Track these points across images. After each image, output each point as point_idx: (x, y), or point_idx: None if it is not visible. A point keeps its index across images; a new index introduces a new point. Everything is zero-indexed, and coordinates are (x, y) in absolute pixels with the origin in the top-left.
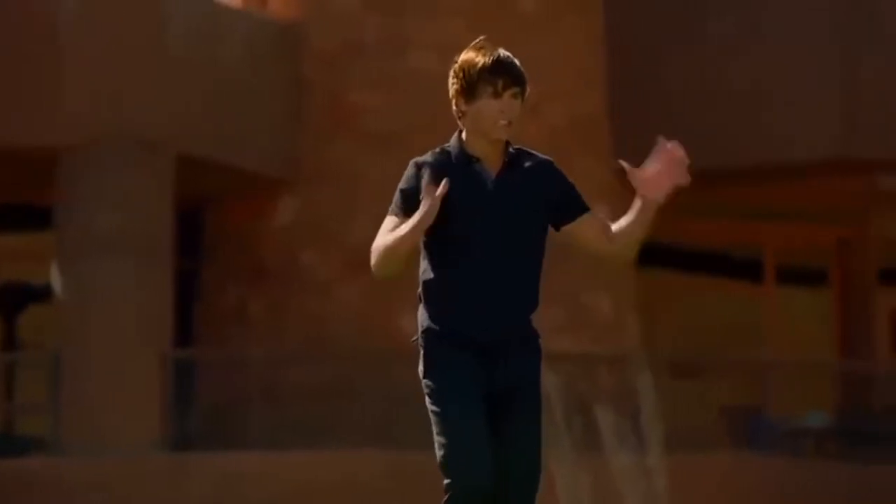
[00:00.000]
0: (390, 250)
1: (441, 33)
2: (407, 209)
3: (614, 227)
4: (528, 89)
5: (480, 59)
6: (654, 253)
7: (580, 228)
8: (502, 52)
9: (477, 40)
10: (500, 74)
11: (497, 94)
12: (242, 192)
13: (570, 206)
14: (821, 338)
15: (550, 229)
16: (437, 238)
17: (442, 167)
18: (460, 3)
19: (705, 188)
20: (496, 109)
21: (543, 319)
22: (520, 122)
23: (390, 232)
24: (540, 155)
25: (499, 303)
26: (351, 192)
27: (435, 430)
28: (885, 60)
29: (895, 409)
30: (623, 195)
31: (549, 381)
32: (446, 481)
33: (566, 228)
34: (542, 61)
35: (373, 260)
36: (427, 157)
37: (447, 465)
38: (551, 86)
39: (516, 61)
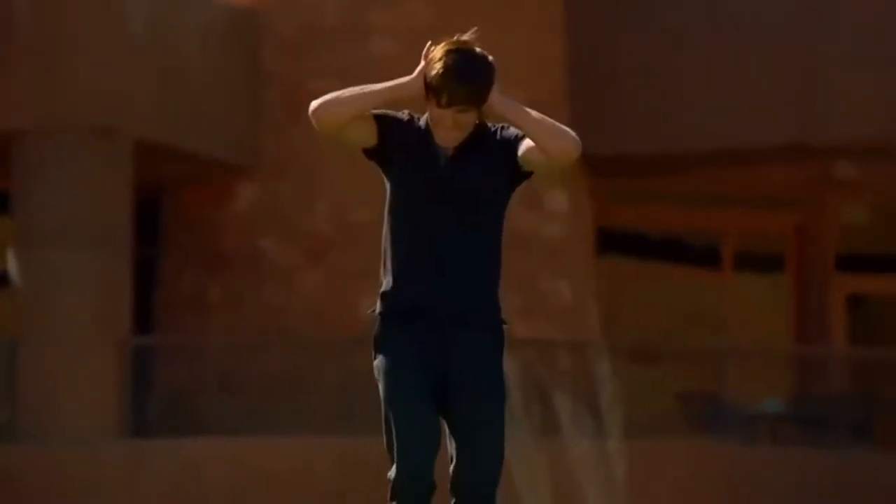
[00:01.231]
0: (351, 95)
1: (402, 19)
2: (376, 115)
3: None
4: (487, 96)
5: (438, 65)
6: (612, 239)
7: (527, 154)
8: (465, 60)
9: (471, 31)
10: (445, 90)
11: (440, 106)
12: (200, 179)
13: (515, 146)
14: (778, 324)
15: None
16: (392, 206)
17: (412, 126)
18: None
19: (663, 174)
20: (438, 116)
21: (503, 306)
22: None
23: None
24: (502, 128)
25: (446, 274)
26: (310, 179)
27: (382, 409)
28: (842, 47)
29: (851, 395)
30: (581, 179)
31: (509, 367)
32: (392, 468)
33: (524, 164)
34: (502, 47)
35: (322, 100)
36: (406, 113)
37: (390, 450)
38: (510, 72)
39: (474, 74)
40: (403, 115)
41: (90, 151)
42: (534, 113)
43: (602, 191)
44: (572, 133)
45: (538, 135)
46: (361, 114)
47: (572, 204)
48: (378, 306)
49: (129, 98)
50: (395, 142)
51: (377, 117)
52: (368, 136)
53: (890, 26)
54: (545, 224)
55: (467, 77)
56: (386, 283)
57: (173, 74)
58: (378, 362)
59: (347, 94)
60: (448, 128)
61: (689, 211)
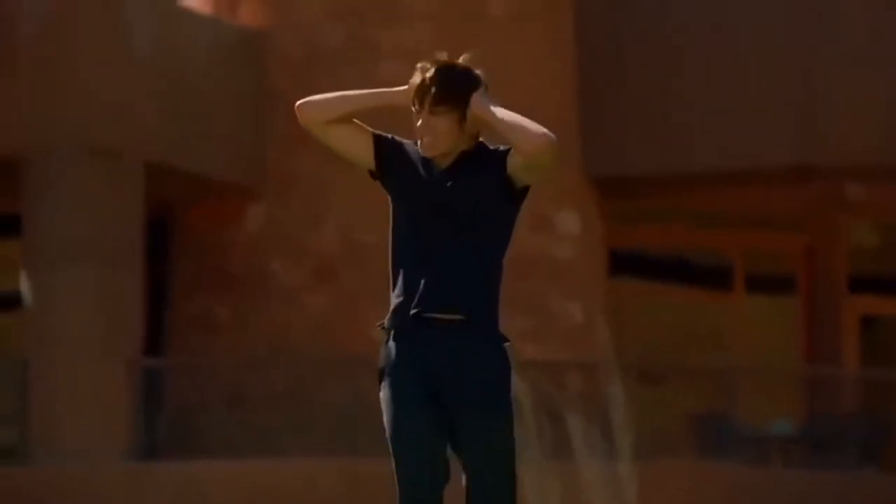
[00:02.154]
0: (337, 96)
1: (408, 41)
2: (382, 138)
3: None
4: (462, 103)
5: (417, 78)
6: (622, 260)
7: (511, 161)
8: (443, 67)
9: (465, 55)
10: (416, 97)
11: (417, 114)
12: (208, 200)
13: (505, 159)
14: (789, 345)
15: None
16: (395, 224)
17: (413, 149)
18: (427, 11)
19: (672, 195)
20: (417, 122)
21: (513, 327)
22: (486, 129)
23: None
24: (498, 147)
25: (445, 288)
26: (317, 200)
27: (386, 431)
28: (845, 67)
29: (861, 417)
30: (591, 200)
31: (520, 388)
32: (398, 488)
33: (513, 175)
34: (510, 66)
35: (310, 97)
36: (409, 141)
37: (396, 473)
38: (519, 91)
39: (447, 76)
40: (408, 141)
41: (99, 172)
42: (508, 113)
43: (612, 211)
44: (547, 131)
45: (512, 133)
46: (345, 116)
47: (583, 225)
48: (385, 321)
49: (136, 118)
50: (395, 162)
51: (376, 138)
52: (363, 151)
53: (891, 36)
54: (556, 245)
55: (440, 77)
56: (392, 298)
57: (181, 95)
58: (383, 394)
59: (334, 94)
60: (423, 131)
61: (698, 232)
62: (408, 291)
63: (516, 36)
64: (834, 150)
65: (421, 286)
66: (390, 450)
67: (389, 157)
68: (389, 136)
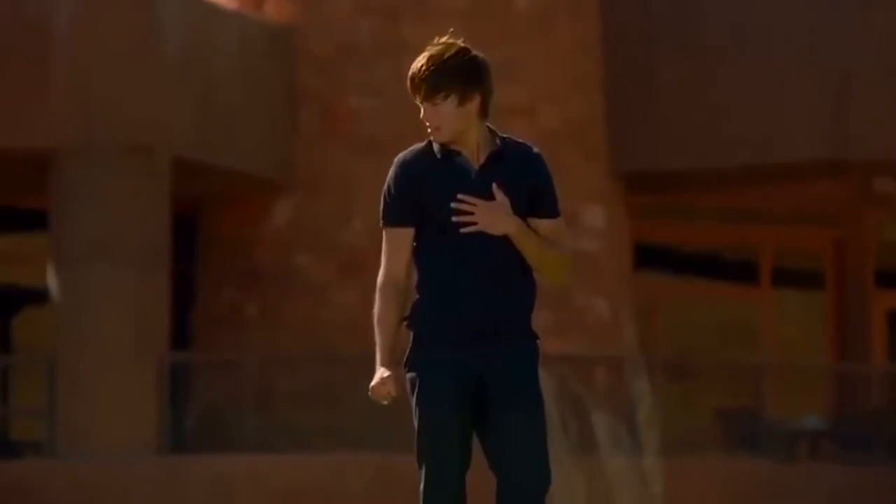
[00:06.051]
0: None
1: (435, 37)
2: (402, 215)
3: None
4: (456, 84)
5: (411, 71)
6: (649, 255)
7: (536, 224)
8: (423, 59)
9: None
10: (412, 89)
11: (420, 103)
12: (237, 196)
13: (538, 201)
14: (817, 340)
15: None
16: (424, 232)
17: (423, 165)
18: (455, 7)
19: (700, 190)
20: (422, 116)
21: (539, 322)
22: (514, 125)
23: (390, 254)
24: (531, 147)
25: (487, 290)
26: (345, 195)
27: (414, 421)
28: (876, 62)
29: (891, 412)
30: (617, 195)
31: (546, 384)
32: (423, 473)
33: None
34: (537, 64)
35: (376, 297)
36: (410, 152)
37: (419, 464)
38: (545, 89)
39: (431, 68)
40: (407, 166)
41: (128, 169)
42: (540, 244)
43: (638, 206)
44: (569, 259)
45: (541, 269)
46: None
47: (609, 220)
48: (413, 326)
49: (165, 116)
50: (423, 199)
51: (409, 223)
52: (412, 232)
53: None
54: (582, 240)
55: (429, 67)
56: (420, 302)
57: (210, 92)
58: (410, 375)
59: (375, 321)
60: (428, 119)
61: (725, 227)
62: (445, 296)
63: (543, 32)
64: (863, 145)
65: (460, 290)
66: (416, 437)
67: (416, 201)
68: (404, 203)
